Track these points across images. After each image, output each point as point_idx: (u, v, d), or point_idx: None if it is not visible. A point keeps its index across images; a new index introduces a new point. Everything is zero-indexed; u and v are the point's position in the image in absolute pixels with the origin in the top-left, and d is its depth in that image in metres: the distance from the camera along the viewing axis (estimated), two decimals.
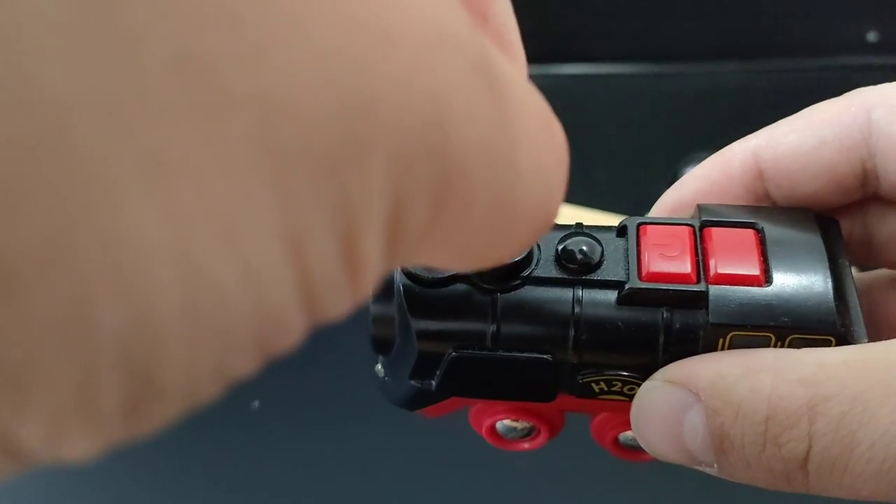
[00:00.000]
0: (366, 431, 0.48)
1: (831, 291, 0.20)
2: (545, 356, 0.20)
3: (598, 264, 0.21)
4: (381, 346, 0.22)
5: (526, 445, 0.24)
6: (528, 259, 0.21)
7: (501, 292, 0.20)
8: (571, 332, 0.20)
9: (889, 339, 0.19)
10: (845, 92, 0.23)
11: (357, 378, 0.37)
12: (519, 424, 0.24)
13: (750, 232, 0.21)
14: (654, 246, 0.21)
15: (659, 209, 0.25)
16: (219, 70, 0.09)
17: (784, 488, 0.19)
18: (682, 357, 0.20)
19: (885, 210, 0.24)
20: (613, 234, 0.22)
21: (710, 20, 0.66)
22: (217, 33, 0.09)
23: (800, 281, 0.20)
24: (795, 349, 0.19)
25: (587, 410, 0.23)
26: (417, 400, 0.22)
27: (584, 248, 0.21)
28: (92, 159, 0.08)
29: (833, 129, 0.22)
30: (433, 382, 0.21)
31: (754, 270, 0.20)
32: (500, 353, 0.21)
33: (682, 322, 0.20)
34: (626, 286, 0.20)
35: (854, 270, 0.22)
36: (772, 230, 0.21)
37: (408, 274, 0.21)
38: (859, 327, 0.20)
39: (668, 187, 0.25)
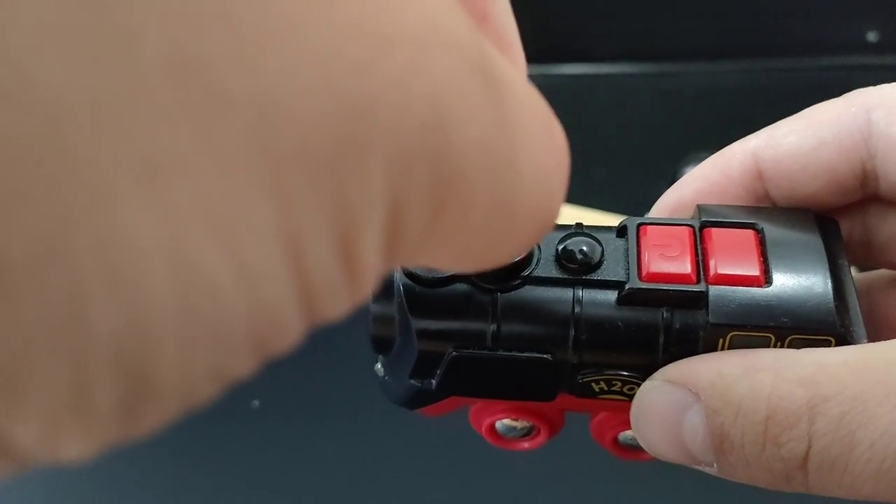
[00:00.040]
0: (366, 431, 0.48)
1: (831, 292, 0.20)
2: (545, 356, 0.20)
3: (599, 264, 0.21)
4: (382, 346, 0.22)
5: (526, 445, 0.24)
6: (528, 259, 0.21)
7: (502, 292, 0.21)
8: (571, 332, 0.20)
9: (889, 339, 0.19)
10: (845, 92, 0.23)
11: (357, 378, 0.37)
12: (519, 424, 0.24)
13: (750, 232, 0.21)
14: (654, 246, 0.21)
15: (659, 209, 0.25)
16: (216, 70, 0.09)
17: (784, 488, 0.19)
18: (681, 357, 0.20)
19: (884, 211, 0.24)
20: (613, 235, 0.22)
21: (710, 20, 0.66)
22: (214, 34, 0.09)
23: (800, 281, 0.20)
24: (795, 349, 0.19)
25: (587, 410, 0.23)
26: (417, 399, 0.22)
27: (585, 248, 0.21)
28: (88, 159, 0.08)
29: (833, 130, 0.22)
30: (433, 382, 0.21)
31: (754, 271, 0.20)
32: (501, 352, 0.21)
33: (682, 322, 0.20)
34: (627, 286, 0.20)
35: (854, 271, 0.22)
36: (772, 231, 0.21)
37: (408, 273, 0.21)
38: (859, 327, 0.20)
39: (668, 187, 0.25)
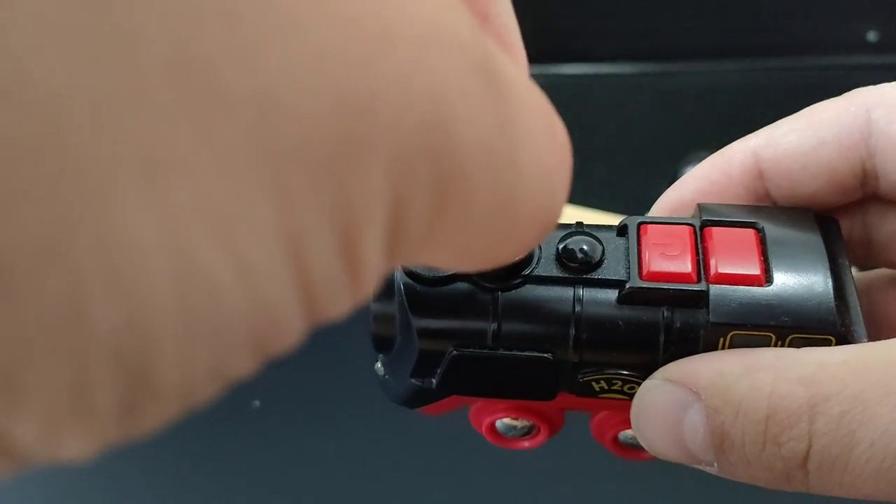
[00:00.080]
0: (366, 430, 0.48)
1: (832, 291, 0.20)
2: (546, 355, 0.20)
3: (599, 263, 0.21)
4: (382, 345, 0.22)
5: (526, 444, 0.24)
6: (528, 258, 0.21)
7: (502, 291, 0.21)
8: (572, 331, 0.20)
9: (889, 338, 0.19)
10: (845, 92, 0.23)
11: (357, 377, 0.37)
12: (519, 423, 0.24)
13: (750, 231, 0.21)
14: (655, 245, 0.21)
15: (659, 209, 0.25)
16: (216, 69, 0.09)
17: (784, 487, 0.19)
18: (682, 356, 0.20)
19: (884, 210, 0.24)
20: (614, 234, 0.22)
21: (710, 20, 0.66)
22: (215, 32, 0.09)
23: (800, 280, 0.20)
24: (796, 348, 0.19)
25: (587, 409, 0.23)
26: (418, 398, 0.22)
27: (585, 247, 0.21)
28: (88, 158, 0.08)
29: (833, 129, 0.22)
30: (434, 381, 0.21)
31: (755, 270, 0.20)
32: (501, 351, 0.21)
33: (682, 321, 0.20)
34: (627, 285, 0.20)
35: (854, 270, 0.22)
36: (772, 230, 0.21)
37: (408, 272, 0.21)
38: (859, 327, 0.20)
39: (668, 187, 0.25)
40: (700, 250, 0.21)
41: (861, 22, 0.66)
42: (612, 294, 0.20)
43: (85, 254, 0.08)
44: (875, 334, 0.20)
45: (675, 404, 0.19)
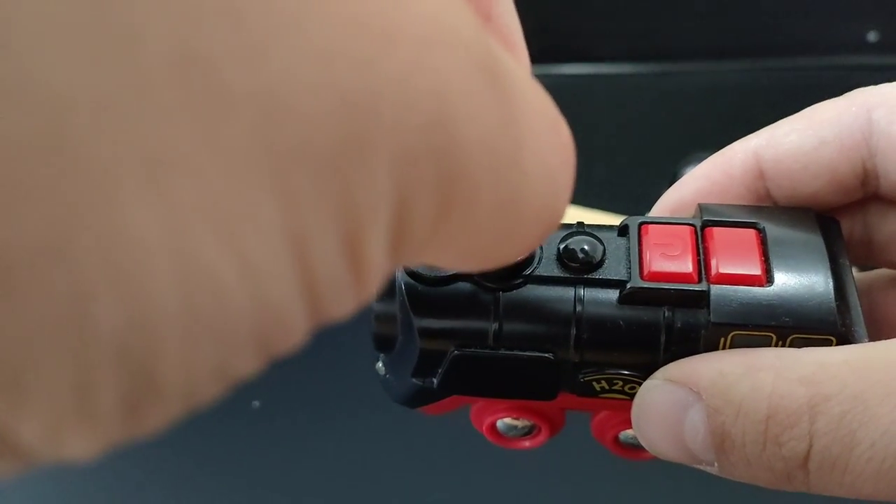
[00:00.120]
0: (366, 430, 0.48)
1: (832, 291, 0.20)
2: (547, 355, 0.20)
3: (600, 263, 0.21)
4: (384, 344, 0.22)
5: (527, 444, 0.24)
6: (530, 258, 0.21)
7: (503, 291, 0.21)
8: (573, 331, 0.20)
9: (889, 338, 0.19)
10: (845, 92, 0.23)
11: (357, 377, 0.37)
12: (520, 423, 0.24)
13: (751, 232, 0.21)
14: (656, 245, 0.21)
15: (660, 209, 0.25)
16: (219, 68, 0.09)
17: (784, 487, 0.19)
18: (683, 356, 0.20)
19: (885, 210, 0.24)
20: (615, 234, 0.22)
21: (710, 20, 0.66)
22: (218, 31, 0.09)
23: (801, 281, 0.20)
24: (796, 349, 0.19)
25: (588, 409, 0.23)
26: (419, 398, 0.22)
27: (586, 247, 0.21)
28: (91, 157, 0.08)
29: (834, 129, 0.22)
30: (435, 380, 0.21)
31: (756, 270, 0.20)
32: (502, 351, 0.21)
33: (683, 321, 0.20)
34: (628, 285, 0.20)
35: (854, 270, 0.22)
36: (773, 230, 0.21)
37: (410, 272, 0.21)
38: (860, 327, 0.20)
39: (668, 187, 0.25)
40: (701, 250, 0.21)
41: (861, 22, 0.66)
42: (613, 294, 0.20)
43: (88, 253, 0.08)
44: (875, 334, 0.20)
45: (675, 404, 0.19)
